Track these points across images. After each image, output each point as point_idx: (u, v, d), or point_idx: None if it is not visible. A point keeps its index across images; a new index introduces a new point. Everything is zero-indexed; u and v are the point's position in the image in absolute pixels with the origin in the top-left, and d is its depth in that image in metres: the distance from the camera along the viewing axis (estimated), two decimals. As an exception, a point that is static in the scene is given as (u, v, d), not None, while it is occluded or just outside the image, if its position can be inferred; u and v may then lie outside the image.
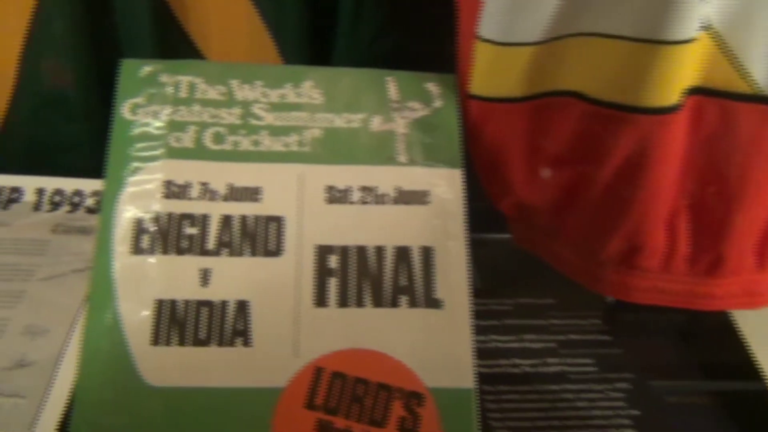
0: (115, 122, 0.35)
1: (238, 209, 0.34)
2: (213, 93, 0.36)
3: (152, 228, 0.33)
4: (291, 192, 0.35)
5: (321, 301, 0.33)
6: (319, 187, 0.35)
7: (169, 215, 0.34)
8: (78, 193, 0.43)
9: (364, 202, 0.35)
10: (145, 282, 0.33)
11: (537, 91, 0.33)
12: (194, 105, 0.36)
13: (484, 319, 0.41)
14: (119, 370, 0.31)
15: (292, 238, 0.34)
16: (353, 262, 0.34)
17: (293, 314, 0.33)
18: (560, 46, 0.31)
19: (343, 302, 0.33)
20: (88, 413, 0.31)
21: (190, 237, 0.33)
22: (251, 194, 0.34)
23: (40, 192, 0.42)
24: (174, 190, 0.34)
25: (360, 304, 0.33)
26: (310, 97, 0.37)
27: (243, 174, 0.35)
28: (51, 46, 0.44)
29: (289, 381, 0.32)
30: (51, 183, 0.43)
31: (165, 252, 0.33)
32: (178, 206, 0.34)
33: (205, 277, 0.33)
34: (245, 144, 0.35)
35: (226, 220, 0.34)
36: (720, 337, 0.41)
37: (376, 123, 0.36)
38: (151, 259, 0.33)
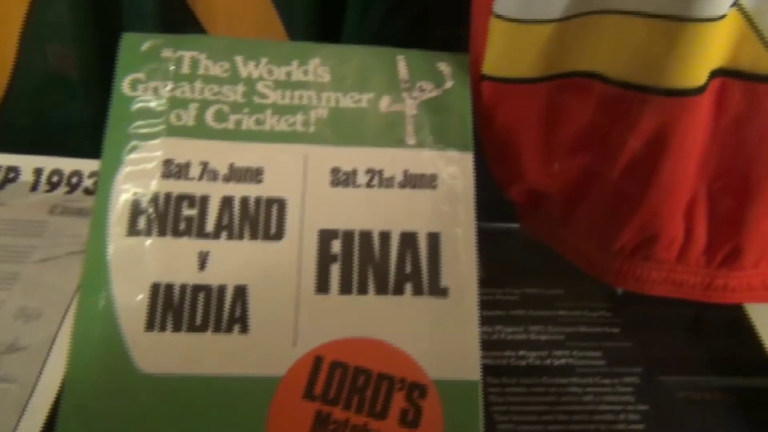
0: (114, 98, 0.34)
1: (238, 190, 0.33)
2: (216, 69, 0.35)
3: (149, 209, 0.32)
4: (294, 174, 0.34)
5: (322, 287, 0.32)
6: (323, 169, 0.34)
7: (167, 196, 0.33)
8: (76, 173, 0.42)
9: (370, 186, 0.34)
10: (140, 265, 0.32)
11: (554, 72, 0.32)
12: (196, 81, 0.35)
13: (490, 309, 0.40)
14: (111, 355, 0.30)
15: (294, 221, 0.33)
16: (357, 247, 0.33)
17: (293, 301, 0.32)
18: (579, 24, 0.30)
19: (345, 289, 0.32)
20: (77, 398, 0.30)
21: (189, 219, 0.32)
22: (253, 175, 0.33)
23: (37, 172, 0.42)
24: (173, 170, 0.33)
25: (363, 291, 0.32)
26: (317, 75, 0.35)
27: (245, 154, 0.34)
28: (53, 26, 0.44)
29: (288, 370, 0.31)
30: (49, 163, 0.42)
31: (162, 234, 0.32)
32: (177, 186, 0.33)
33: (203, 260, 0.32)
34: (248, 123, 0.34)
35: (226, 202, 0.33)
36: (732, 332, 0.41)
37: (385, 103, 0.35)
38: (148, 241, 0.32)
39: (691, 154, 0.30)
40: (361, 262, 0.33)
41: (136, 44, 0.35)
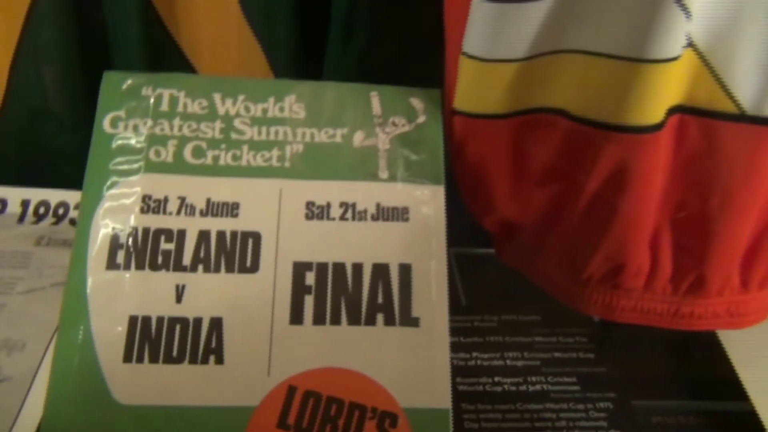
0: (95, 136, 0.35)
1: (215, 224, 0.34)
2: (194, 107, 0.36)
3: (128, 243, 0.33)
4: (270, 208, 0.34)
5: (296, 318, 0.33)
6: (298, 203, 0.34)
7: (146, 230, 0.33)
8: (62, 204, 0.43)
9: (344, 219, 0.34)
10: (119, 298, 0.32)
11: (521, 108, 0.33)
12: (175, 119, 0.35)
13: (468, 336, 0.40)
14: (90, 388, 0.31)
15: (269, 254, 0.33)
16: (330, 279, 0.33)
17: (268, 332, 0.32)
18: (544, 63, 0.31)
19: (318, 320, 0.33)
20: (56, 430, 0.30)
21: (166, 253, 0.33)
22: (229, 210, 0.34)
23: (24, 203, 0.42)
24: (151, 205, 0.34)
25: (336, 322, 0.33)
26: (293, 111, 0.36)
27: (222, 189, 0.34)
28: (40, 57, 0.45)
29: (262, 400, 0.31)
30: (36, 194, 0.43)
31: (140, 268, 0.33)
32: (155, 221, 0.33)
33: (179, 293, 0.32)
34: (225, 158, 0.35)
35: (203, 236, 0.33)
36: (705, 356, 0.41)
37: (359, 138, 0.36)
38: (126, 275, 0.33)
39: (652, 187, 0.30)
40: (334, 294, 0.33)
41: (117, 82, 0.36)
